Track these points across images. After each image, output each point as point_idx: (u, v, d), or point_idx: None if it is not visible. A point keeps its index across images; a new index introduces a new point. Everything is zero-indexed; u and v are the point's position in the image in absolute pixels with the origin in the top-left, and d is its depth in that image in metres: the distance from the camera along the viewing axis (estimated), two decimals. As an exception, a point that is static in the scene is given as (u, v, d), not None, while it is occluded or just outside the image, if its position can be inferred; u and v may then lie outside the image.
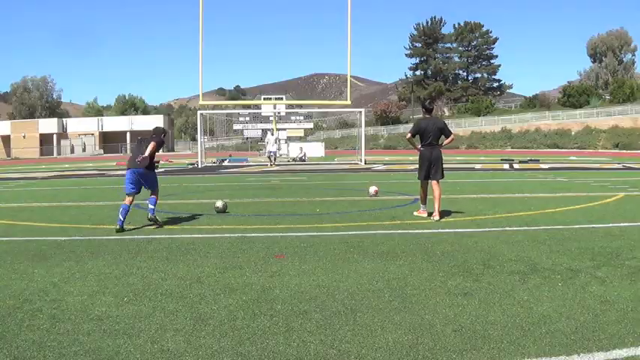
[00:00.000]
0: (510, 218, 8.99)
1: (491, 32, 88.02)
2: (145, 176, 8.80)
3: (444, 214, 9.11)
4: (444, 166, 9.50)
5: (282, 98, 42.68)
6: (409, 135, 9.23)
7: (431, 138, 9.00)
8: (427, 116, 9.23)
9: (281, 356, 3.41)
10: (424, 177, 9.19)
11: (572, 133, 59.22)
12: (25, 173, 27.17)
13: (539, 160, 31.17)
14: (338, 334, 3.74)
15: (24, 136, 75.22)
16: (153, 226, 8.50)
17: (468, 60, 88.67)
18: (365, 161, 30.50)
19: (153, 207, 8.73)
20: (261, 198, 12.57)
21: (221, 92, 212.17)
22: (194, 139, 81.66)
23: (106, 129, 77.39)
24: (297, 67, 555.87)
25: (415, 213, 9.27)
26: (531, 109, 70.23)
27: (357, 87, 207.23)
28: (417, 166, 9.34)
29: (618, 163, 27.68)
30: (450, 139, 9.16)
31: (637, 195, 12.22)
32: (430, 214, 8.94)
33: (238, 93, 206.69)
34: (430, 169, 9.07)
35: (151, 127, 10.59)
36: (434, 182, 9.07)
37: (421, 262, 5.82)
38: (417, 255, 6.18)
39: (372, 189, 12.22)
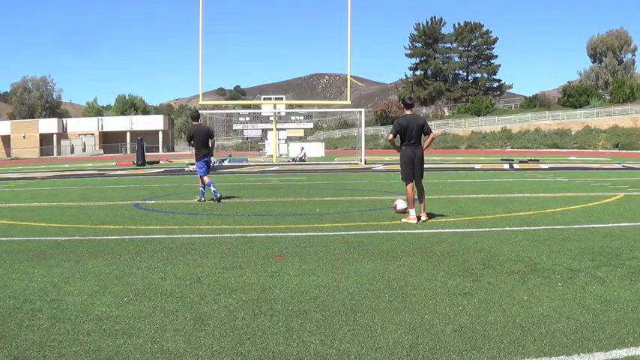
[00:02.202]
0: (510, 218, 8.99)
1: (491, 32, 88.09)
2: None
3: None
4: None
5: (282, 98, 42.70)
6: (391, 136, 8.78)
7: (414, 137, 8.67)
8: (407, 113, 8.83)
9: (281, 356, 3.41)
10: (411, 178, 8.85)
11: (572, 133, 59.22)
12: (25, 173, 27.17)
13: (539, 160, 31.17)
14: (338, 334, 3.74)
15: (24, 136, 75.25)
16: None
17: (468, 60, 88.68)
18: (365, 161, 30.51)
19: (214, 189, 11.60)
20: (261, 198, 12.58)
21: (221, 92, 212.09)
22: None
23: (105, 129, 77.43)
24: (297, 67, 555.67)
25: (404, 220, 8.55)
26: (531, 109, 70.24)
27: (357, 87, 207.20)
28: (400, 167, 8.97)
29: (618, 163, 27.68)
30: (430, 138, 8.84)
31: (637, 195, 12.22)
32: (419, 219, 8.55)
33: (238, 93, 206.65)
34: (414, 169, 8.80)
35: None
36: (418, 183, 8.83)
37: (421, 262, 5.82)
38: (417, 255, 6.18)
39: (402, 205, 9.48)
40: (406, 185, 8.88)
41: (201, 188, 11.99)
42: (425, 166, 9.18)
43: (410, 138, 8.65)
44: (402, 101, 9.02)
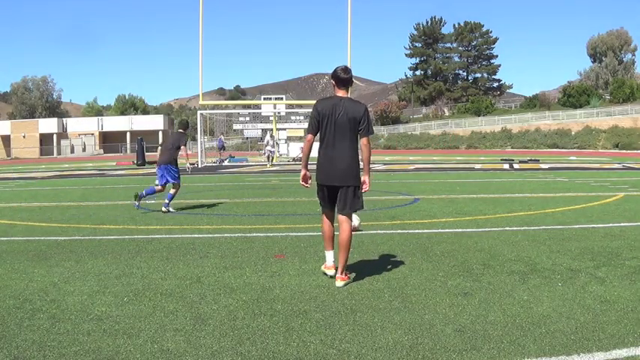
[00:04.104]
0: (510, 218, 8.99)
1: (491, 32, 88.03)
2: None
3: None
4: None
5: (282, 98, 42.72)
6: (310, 136, 5.20)
7: (341, 135, 5.08)
8: (339, 93, 5.22)
9: (281, 356, 3.41)
10: (327, 205, 5.33)
11: (572, 133, 59.23)
12: (24, 173, 27.17)
13: (539, 160, 31.17)
14: (338, 334, 3.74)
15: (24, 136, 75.22)
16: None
17: (467, 60, 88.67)
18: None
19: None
20: (261, 198, 12.57)
21: (221, 92, 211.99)
22: (194, 139, 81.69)
23: (106, 129, 77.42)
24: (297, 67, 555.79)
25: (322, 267, 5.44)
26: (531, 109, 70.23)
27: (357, 87, 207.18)
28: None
29: (618, 163, 27.69)
30: (366, 142, 5.11)
31: (637, 195, 12.22)
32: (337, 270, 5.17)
33: (238, 93, 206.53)
34: (335, 191, 5.19)
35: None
36: (342, 218, 5.25)
37: (421, 262, 5.81)
38: (417, 255, 6.17)
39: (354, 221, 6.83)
40: (321, 214, 5.46)
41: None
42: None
43: (331, 134, 5.11)
44: (332, 75, 5.29)
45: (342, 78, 5.20)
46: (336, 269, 5.14)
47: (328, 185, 5.15)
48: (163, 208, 10.11)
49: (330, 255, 5.31)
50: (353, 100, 5.25)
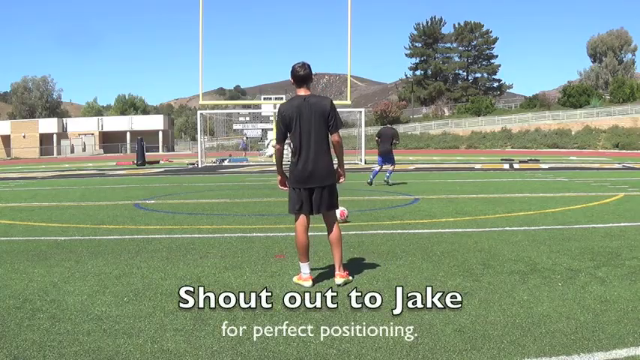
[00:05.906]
0: (510, 218, 8.99)
1: (491, 32, 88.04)
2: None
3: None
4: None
5: (282, 98, 42.70)
6: (277, 146, 5.15)
7: (312, 136, 4.95)
8: (300, 93, 5.02)
9: (281, 356, 3.41)
10: (302, 208, 5.04)
11: (572, 133, 59.24)
12: (25, 173, 27.17)
13: (539, 160, 31.17)
14: (338, 334, 3.74)
15: (24, 136, 75.28)
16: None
17: (467, 60, 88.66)
18: (365, 161, 30.49)
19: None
20: (261, 198, 12.57)
21: (221, 92, 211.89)
22: (194, 139, 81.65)
23: (106, 129, 77.48)
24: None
25: (295, 279, 5.09)
26: (531, 109, 70.23)
27: (357, 87, 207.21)
28: (289, 194, 5.18)
29: (618, 163, 27.69)
30: (337, 137, 5.06)
31: (637, 195, 12.22)
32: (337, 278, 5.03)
33: (238, 93, 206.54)
34: (311, 194, 5.02)
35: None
36: (326, 217, 5.14)
37: (421, 262, 5.81)
38: (417, 255, 6.17)
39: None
40: (295, 221, 5.14)
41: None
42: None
43: (304, 138, 4.97)
44: (290, 74, 5.04)
45: (301, 75, 4.98)
46: (337, 269, 5.09)
47: (305, 187, 5.01)
48: (386, 179, 14.87)
49: (306, 267, 5.01)
50: (317, 96, 5.06)
